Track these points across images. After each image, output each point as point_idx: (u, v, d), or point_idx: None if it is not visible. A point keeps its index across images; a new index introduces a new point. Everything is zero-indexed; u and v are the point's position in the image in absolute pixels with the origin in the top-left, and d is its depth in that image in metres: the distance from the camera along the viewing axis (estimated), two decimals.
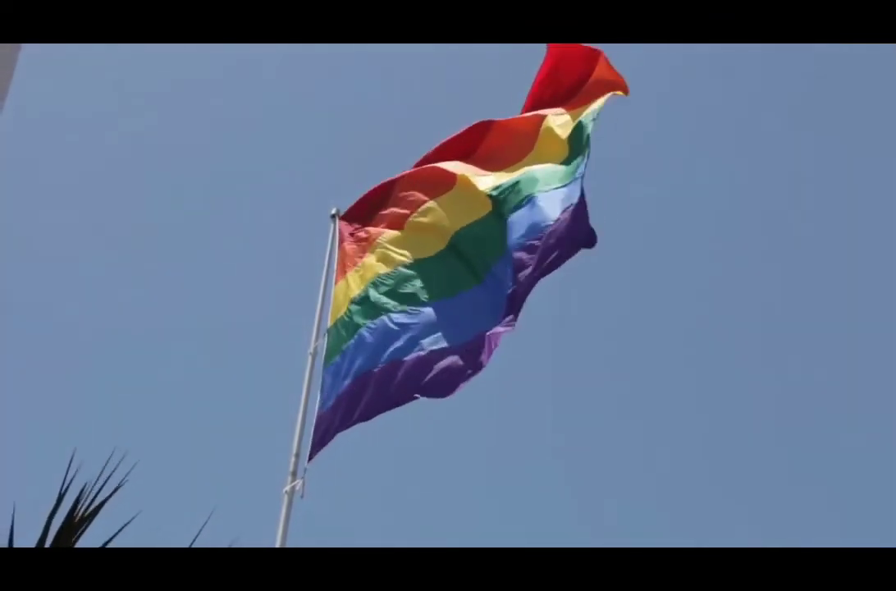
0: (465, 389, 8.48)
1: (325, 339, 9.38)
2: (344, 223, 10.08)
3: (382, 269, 9.51)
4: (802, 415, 19.17)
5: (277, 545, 8.26)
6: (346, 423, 8.78)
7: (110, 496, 5.35)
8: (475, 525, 17.03)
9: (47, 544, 5.22)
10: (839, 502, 18.02)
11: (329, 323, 9.47)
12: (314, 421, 8.87)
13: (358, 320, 9.25)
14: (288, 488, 8.55)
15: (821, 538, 16.82)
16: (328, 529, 15.13)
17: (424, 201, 9.73)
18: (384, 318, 9.13)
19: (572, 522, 17.37)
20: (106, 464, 5.46)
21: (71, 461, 5.39)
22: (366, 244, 9.80)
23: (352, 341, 9.14)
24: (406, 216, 9.75)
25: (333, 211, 10.22)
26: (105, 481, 5.39)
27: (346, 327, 9.30)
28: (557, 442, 18.33)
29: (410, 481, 18.16)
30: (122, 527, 5.39)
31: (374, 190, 10.13)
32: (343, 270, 9.74)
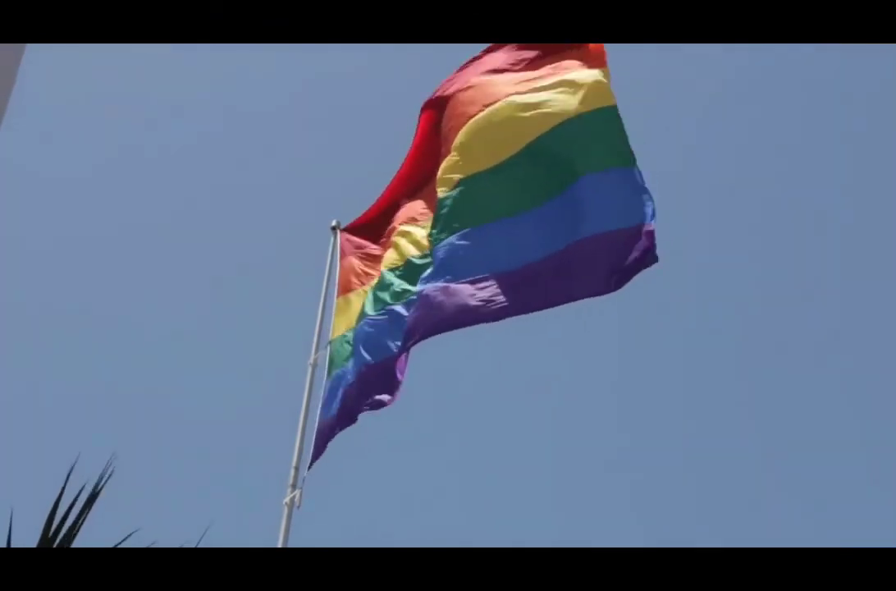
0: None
1: (327, 350, 9.40)
2: (347, 236, 10.08)
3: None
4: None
5: None
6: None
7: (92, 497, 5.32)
8: (478, 532, 17.01)
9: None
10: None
11: (331, 336, 9.49)
12: (314, 433, 8.91)
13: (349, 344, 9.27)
14: (287, 499, 8.57)
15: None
16: (329, 541, 15.11)
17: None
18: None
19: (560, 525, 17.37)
20: (101, 474, 5.44)
21: (69, 475, 5.39)
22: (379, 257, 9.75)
23: (352, 358, 9.13)
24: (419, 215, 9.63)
25: (334, 223, 10.23)
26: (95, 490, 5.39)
27: (349, 342, 9.28)
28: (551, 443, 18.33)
29: (415, 491, 18.15)
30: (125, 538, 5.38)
31: (380, 202, 10.06)
32: (346, 284, 9.71)
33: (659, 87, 19.71)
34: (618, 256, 8.23)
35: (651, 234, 8.21)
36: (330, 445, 8.86)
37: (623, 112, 8.92)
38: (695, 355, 19.47)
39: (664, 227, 8.47)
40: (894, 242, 20.20)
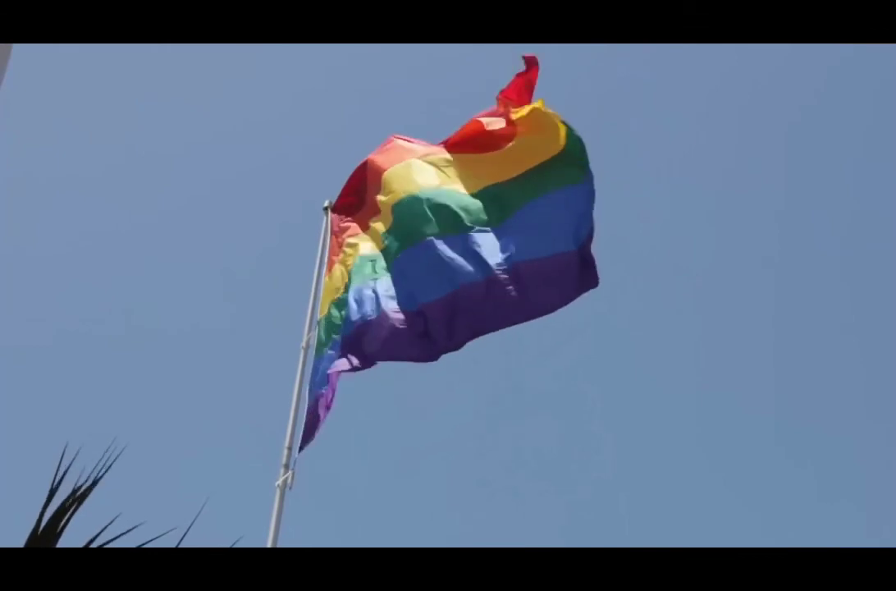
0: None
1: (316, 331, 9.40)
2: (334, 215, 10.09)
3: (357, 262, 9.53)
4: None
5: (270, 536, 8.30)
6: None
7: (92, 485, 5.33)
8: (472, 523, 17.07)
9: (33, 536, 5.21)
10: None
11: (319, 315, 9.50)
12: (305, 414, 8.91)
13: (337, 313, 9.30)
14: (280, 481, 8.58)
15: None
16: (322, 522, 15.16)
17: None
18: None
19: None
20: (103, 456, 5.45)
21: (63, 455, 5.39)
22: (350, 236, 9.82)
23: (337, 335, 9.18)
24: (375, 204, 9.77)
25: (326, 203, 10.23)
26: (92, 472, 5.39)
27: (330, 320, 9.33)
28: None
29: (405, 475, 18.19)
30: (108, 524, 5.38)
31: (352, 179, 10.10)
32: (332, 263, 9.74)
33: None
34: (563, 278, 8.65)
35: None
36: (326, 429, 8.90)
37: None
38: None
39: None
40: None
